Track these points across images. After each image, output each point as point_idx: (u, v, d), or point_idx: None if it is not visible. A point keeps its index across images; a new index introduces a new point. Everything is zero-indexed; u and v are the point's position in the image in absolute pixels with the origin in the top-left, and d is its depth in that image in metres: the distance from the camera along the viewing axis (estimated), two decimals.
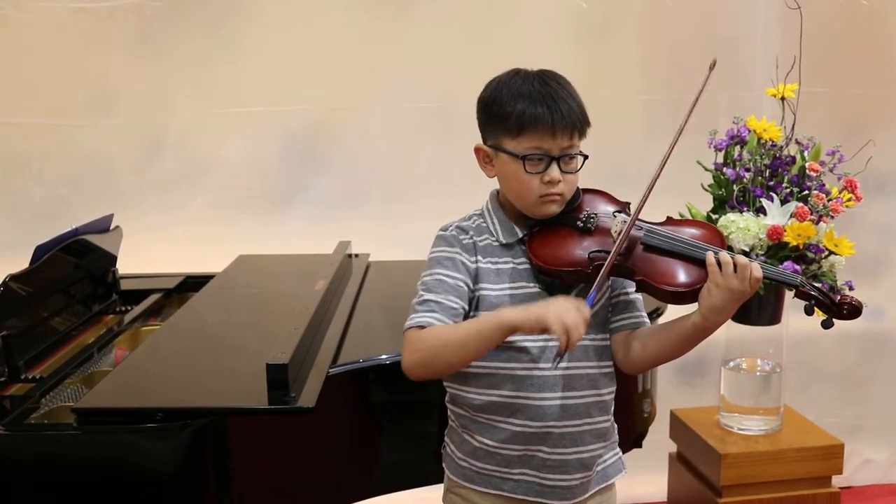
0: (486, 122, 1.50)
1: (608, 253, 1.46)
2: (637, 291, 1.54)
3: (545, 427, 1.48)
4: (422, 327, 1.43)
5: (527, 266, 1.49)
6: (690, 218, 2.15)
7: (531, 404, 1.48)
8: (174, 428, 1.54)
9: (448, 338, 1.41)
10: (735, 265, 1.38)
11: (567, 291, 1.50)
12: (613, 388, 1.56)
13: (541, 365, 1.47)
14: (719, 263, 1.39)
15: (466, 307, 1.47)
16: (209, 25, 2.80)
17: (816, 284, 1.50)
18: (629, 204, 1.55)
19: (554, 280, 1.48)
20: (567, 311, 1.32)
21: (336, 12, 2.83)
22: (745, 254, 2.01)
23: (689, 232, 1.50)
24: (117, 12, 2.74)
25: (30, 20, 2.71)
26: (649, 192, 1.45)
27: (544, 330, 1.33)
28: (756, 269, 1.39)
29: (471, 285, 1.47)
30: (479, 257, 1.49)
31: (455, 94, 2.73)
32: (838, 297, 1.47)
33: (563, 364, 1.46)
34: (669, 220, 1.55)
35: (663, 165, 1.46)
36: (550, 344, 1.46)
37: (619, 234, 1.47)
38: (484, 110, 1.50)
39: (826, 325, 1.48)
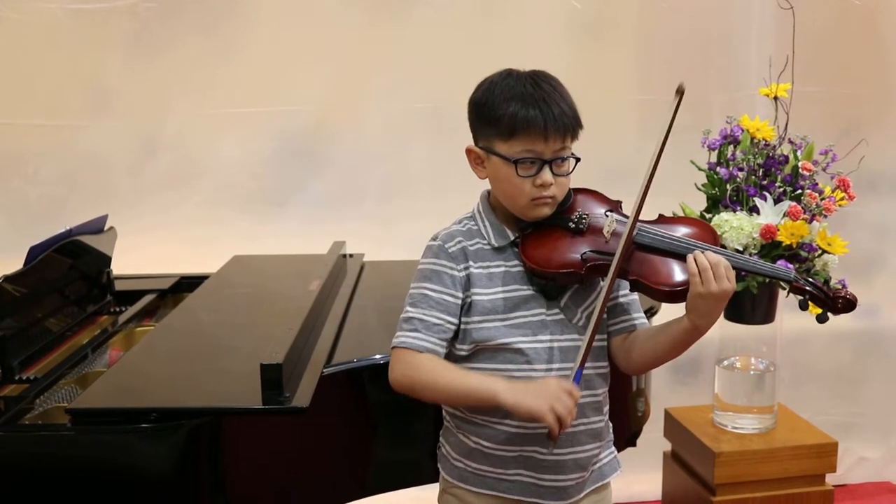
0: (478, 123, 1.50)
1: (601, 253, 1.46)
2: (631, 291, 1.54)
3: (541, 428, 1.47)
4: (409, 349, 1.45)
5: (520, 268, 1.49)
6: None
7: None
8: (169, 428, 1.55)
9: (443, 385, 1.44)
10: (712, 268, 1.39)
11: (561, 293, 1.50)
12: (607, 388, 1.57)
13: (536, 366, 1.48)
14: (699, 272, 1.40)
15: (454, 319, 1.47)
16: (204, 26, 2.80)
17: (810, 279, 1.50)
18: (620, 203, 1.55)
19: (548, 282, 1.49)
20: (558, 399, 1.36)
21: (331, 13, 2.84)
22: (739, 252, 2.02)
23: (682, 230, 1.50)
24: (113, 13, 2.74)
25: (25, 21, 2.71)
26: (643, 200, 1.44)
27: (535, 421, 1.38)
28: (724, 262, 1.39)
29: (459, 294, 1.48)
30: (471, 262, 1.49)
31: (450, 95, 2.69)
32: (832, 292, 1.47)
33: (557, 366, 1.47)
34: (661, 219, 1.55)
35: (655, 168, 1.45)
36: (551, 346, 1.47)
37: (611, 233, 1.47)
38: (475, 112, 1.50)
39: (821, 319, 1.48)
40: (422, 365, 1.45)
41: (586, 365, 1.49)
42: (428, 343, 1.46)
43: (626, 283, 1.53)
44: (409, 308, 1.48)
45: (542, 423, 1.38)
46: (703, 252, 1.41)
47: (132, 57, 2.79)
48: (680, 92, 1.43)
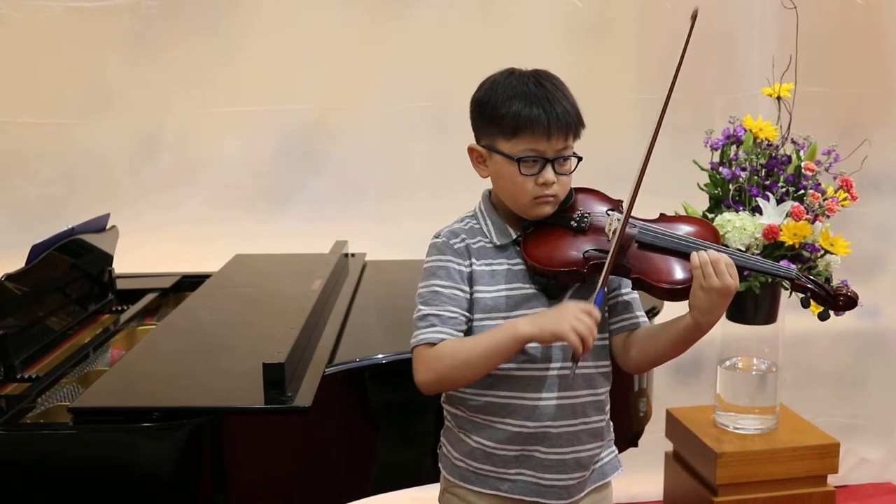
0: (480, 122, 1.50)
1: (603, 252, 1.46)
2: (633, 289, 1.54)
3: (542, 427, 1.48)
4: (431, 344, 1.44)
5: (522, 267, 1.49)
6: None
7: (528, 404, 1.48)
8: (170, 427, 1.54)
9: (467, 355, 1.42)
10: (713, 264, 1.39)
11: (563, 291, 1.50)
12: (609, 387, 1.56)
13: (537, 365, 1.48)
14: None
15: (467, 313, 1.47)
16: (205, 25, 2.80)
17: (812, 277, 1.50)
18: (622, 202, 1.55)
19: (550, 280, 1.49)
20: (579, 319, 1.36)
21: (332, 12, 2.83)
22: (742, 252, 2.01)
23: (683, 228, 1.50)
24: (113, 11, 2.73)
25: (26, 19, 2.70)
26: (639, 185, 1.45)
27: (559, 340, 1.38)
28: (726, 258, 1.40)
29: (467, 289, 1.48)
30: (473, 260, 1.49)
31: (451, 94, 2.70)
32: (833, 290, 1.47)
33: (558, 365, 1.47)
34: (663, 217, 1.55)
35: (651, 149, 1.45)
36: (552, 345, 1.47)
37: (613, 232, 1.47)
38: (478, 110, 1.50)
39: (822, 317, 1.49)
40: (441, 353, 1.43)
41: (586, 365, 1.49)
42: (445, 335, 1.44)
43: (627, 282, 1.53)
44: (421, 307, 1.48)
45: (564, 342, 1.38)
46: (706, 249, 1.42)
47: (133, 56, 2.79)
48: (694, 16, 1.43)
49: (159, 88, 2.80)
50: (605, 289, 1.42)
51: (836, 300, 1.47)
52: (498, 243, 1.50)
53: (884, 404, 3.20)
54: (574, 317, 1.36)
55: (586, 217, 1.50)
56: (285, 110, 2.87)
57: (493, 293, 1.48)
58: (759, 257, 1.55)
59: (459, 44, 2.82)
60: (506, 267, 1.49)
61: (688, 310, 1.44)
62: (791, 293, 2.18)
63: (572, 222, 1.50)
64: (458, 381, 1.47)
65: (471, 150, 1.52)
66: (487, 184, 1.56)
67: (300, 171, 2.92)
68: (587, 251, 1.47)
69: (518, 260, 1.50)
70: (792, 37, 2.38)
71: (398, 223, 2.85)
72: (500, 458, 1.51)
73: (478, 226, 1.53)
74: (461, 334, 1.46)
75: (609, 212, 1.52)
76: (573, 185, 1.53)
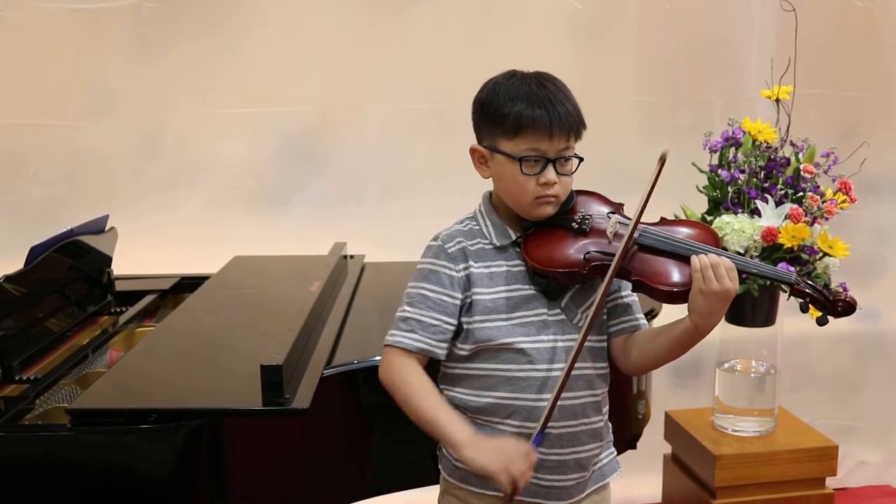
0: (482, 122, 1.51)
1: (604, 254, 1.46)
2: (633, 291, 1.54)
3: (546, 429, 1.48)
4: (402, 348, 1.47)
5: (521, 268, 1.50)
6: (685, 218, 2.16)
7: (528, 406, 1.48)
8: (169, 429, 1.54)
9: (412, 401, 1.46)
10: (713, 267, 1.39)
11: (563, 293, 1.50)
12: (607, 388, 1.57)
13: (538, 366, 1.48)
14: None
15: (452, 320, 1.48)
16: (206, 26, 2.80)
17: (811, 282, 1.50)
18: (623, 205, 1.56)
19: (550, 281, 1.49)
20: (513, 462, 1.37)
21: (333, 13, 2.83)
22: (740, 255, 2.02)
23: (683, 232, 1.51)
24: (114, 13, 2.73)
25: (27, 21, 2.70)
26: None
27: (489, 476, 1.39)
28: (727, 262, 1.40)
29: (457, 295, 1.48)
30: (471, 262, 1.49)
31: (451, 96, 2.72)
32: (832, 295, 1.48)
33: (559, 366, 1.47)
34: (663, 221, 1.56)
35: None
36: (553, 346, 1.48)
37: (614, 234, 1.48)
38: (480, 111, 1.51)
39: (821, 322, 1.49)
40: (407, 376, 1.47)
41: (585, 367, 1.49)
42: (422, 343, 1.47)
43: (627, 284, 1.54)
44: (406, 307, 1.49)
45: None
46: (706, 252, 1.42)
47: (133, 57, 2.79)
48: (662, 160, 1.41)
49: (160, 90, 2.80)
50: (543, 434, 1.43)
51: (834, 305, 1.47)
52: (497, 244, 1.51)
53: (882, 407, 3.20)
54: (510, 459, 1.38)
55: (587, 219, 1.51)
56: (285, 112, 2.87)
57: (493, 295, 1.49)
58: (758, 261, 1.55)
59: (460, 45, 2.82)
60: (505, 268, 1.50)
61: (687, 313, 1.44)
62: (789, 296, 2.19)
63: (573, 224, 1.50)
64: (399, 405, 1.50)
65: (472, 151, 1.53)
66: (488, 185, 1.56)
67: (300, 172, 2.92)
68: (588, 253, 1.48)
69: (517, 261, 1.50)
70: (791, 39, 2.38)
71: (398, 225, 2.85)
72: None
73: (477, 227, 1.53)
74: (441, 343, 1.48)
75: (610, 214, 1.53)
76: (574, 188, 1.53)
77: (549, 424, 1.47)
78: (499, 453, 1.39)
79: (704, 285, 1.39)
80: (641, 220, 1.50)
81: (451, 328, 1.48)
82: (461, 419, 1.46)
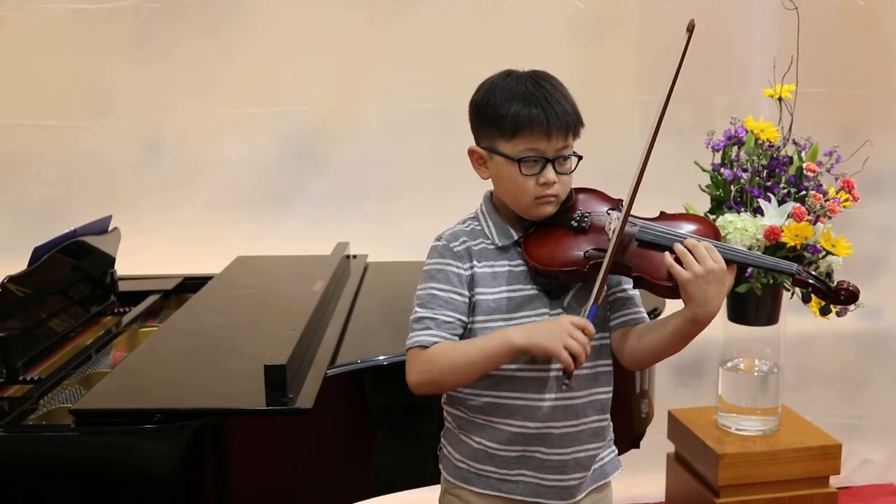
0: (480, 124, 1.50)
1: (604, 251, 1.46)
2: (634, 288, 1.54)
3: (544, 428, 1.48)
4: (424, 347, 1.44)
5: (523, 268, 1.49)
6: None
7: (530, 405, 1.48)
8: (172, 429, 1.54)
9: (457, 360, 1.43)
10: (691, 251, 1.40)
11: (564, 292, 1.50)
12: (611, 388, 1.56)
13: (539, 366, 1.48)
14: (679, 262, 1.40)
15: (463, 318, 1.47)
16: (207, 26, 2.80)
17: (812, 272, 1.50)
18: (622, 201, 1.55)
19: (551, 281, 1.49)
20: (571, 335, 1.37)
21: (334, 13, 2.83)
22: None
23: (684, 226, 1.50)
24: (115, 13, 2.74)
25: (28, 21, 2.70)
26: (637, 186, 1.45)
27: (549, 356, 1.38)
28: (705, 243, 1.40)
29: (466, 293, 1.48)
30: (475, 262, 1.49)
31: (453, 96, 2.69)
32: (835, 284, 1.48)
33: (558, 366, 1.46)
34: (663, 216, 1.55)
35: (649, 150, 1.45)
36: None
37: (613, 231, 1.48)
38: (477, 112, 1.50)
39: (824, 311, 1.48)
40: (434, 356, 1.44)
41: (586, 365, 1.49)
42: (439, 340, 1.45)
43: (627, 280, 1.53)
44: (418, 309, 1.48)
45: (556, 361, 1.39)
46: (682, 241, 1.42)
47: (134, 57, 2.79)
48: (690, 29, 1.42)
49: (161, 90, 2.80)
50: (598, 303, 1.42)
51: (837, 294, 1.47)
52: (499, 244, 1.50)
53: (886, 405, 3.19)
54: (567, 333, 1.37)
55: (587, 217, 1.51)
56: (287, 112, 2.87)
57: (495, 295, 1.48)
58: (760, 254, 1.54)
59: (461, 45, 2.82)
60: (507, 268, 1.50)
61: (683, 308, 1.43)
62: (792, 292, 2.19)
63: (572, 222, 1.50)
64: (450, 384, 1.48)
65: (471, 153, 1.53)
66: (489, 185, 1.56)
67: (302, 172, 2.92)
68: (588, 251, 1.47)
69: (519, 261, 1.50)
70: (793, 37, 2.38)
71: (400, 224, 2.85)
72: (502, 459, 1.51)
73: (479, 227, 1.53)
74: (456, 338, 1.47)
75: (609, 211, 1.52)
76: (573, 186, 1.53)
77: (550, 425, 1.48)
78: (555, 330, 1.38)
79: (688, 272, 1.39)
80: (643, 217, 1.51)
81: (464, 324, 1.48)
82: (497, 332, 1.44)
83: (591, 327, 1.39)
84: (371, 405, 1.81)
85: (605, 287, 1.49)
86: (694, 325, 1.42)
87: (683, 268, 1.39)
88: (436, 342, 1.45)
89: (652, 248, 1.47)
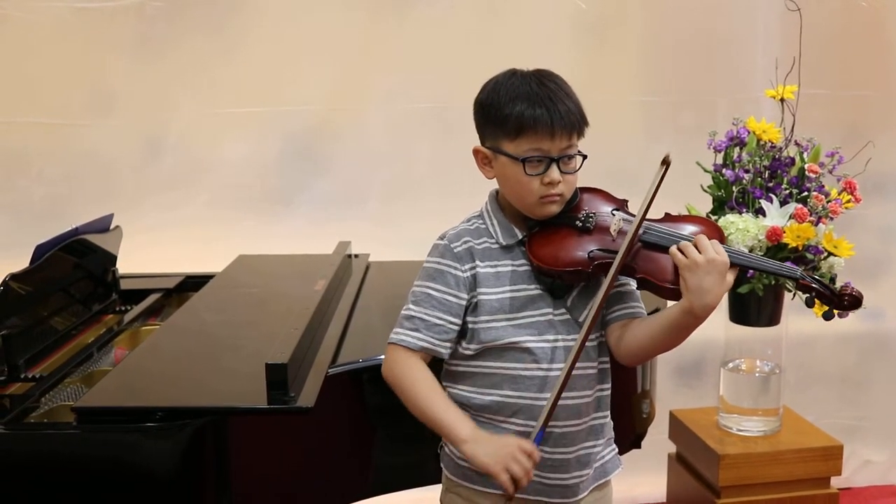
0: (484, 124, 1.50)
1: (608, 251, 1.46)
2: (639, 289, 1.54)
3: (546, 427, 1.48)
4: (407, 348, 1.47)
5: (527, 267, 1.49)
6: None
7: (533, 405, 1.48)
8: (173, 427, 1.55)
9: (415, 398, 1.46)
10: (696, 240, 1.40)
11: (568, 291, 1.50)
12: (609, 384, 1.56)
13: (542, 365, 1.48)
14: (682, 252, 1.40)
15: (456, 320, 1.48)
16: (209, 26, 2.80)
17: (816, 276, 1.50)
18: (627, 201, 1.55)
19: (555, 280, 1.49)
20: (514, 460, 1.38)
21: (335, 13, 2.84)
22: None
23: (688, 228, 1.50)
24: (118, 12, 2.74)
25: (30, 20, 2.71)
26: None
27: (489, 475, 1.39)
28: (714, 241, 1.40)
29: (463, 295, 1.48)
30: (477, 262, 1.49)
31: (455, 95, 2.72)
32: (838, 288, 1.47)
33: (559, 365, 1.47)
34: (668, 217, 1.55)
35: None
36: (558, 345, 1.47)
37: (618, 232, 1.47)
38: (481, 112, 1.50)
39: (827, 316, 1.48)
40: (410, 372, 1.47)
41: (587, 365, 1.48)
42: (426, 343, 1.47)
43: (628, 278, 1.53)
44: (411, 306, 1.49)
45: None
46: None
47: (137, 56, 2.79)
48: (666, 163, 1.41)
49: (163, 89, 2.80)
50: (543, 432, 1.43)
51: (841, 299, 1.47)
52: (504, 243, 1.50)
53: (888, 406, 3.19)
54: (511, 457, 1.38)
55: (591, 217, 1.50)
56: (289, 111, 2.87)
57: (498, 295, 1.48)
58: (764, 257, 1.54)
59: (462, 44, 2.82)
60: (510, 268, 1.50)
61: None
62: (794, 294, 2.19)
63: (577, 222, 1.50)
64: (403, 401, 1.50)
65: (476, 152, 1.53)
66: (490, 184, 1.56)
67: (304, 172, 2.92)
68: (592, 251, 1.47)
69: (523, 261, 1.50)
70: (795, 39, 2.38)
71: (402, 224, 2.85)
72: None
73: (484, 226, 1.53)
74: (443, 342, 1.48)
75: (614, 211, 1.52)
76: (579, 185, 1.53)
77: (552, 423, 1.47)
78: (500, 451, 1.39)
79: (688, 259, 1.38)
80: (648, 219, 1.50)
81: (456, 328, 1.48)
82: (464, 416, 1.46)
83: (536, 454, 1.40)
84: (372, 404, 1.81)
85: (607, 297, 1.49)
86: (689, 316, 1.40)
87: (685, 256, 1.39)
88: (421, 345, 1.46)
89: (657, 249, 1.47)
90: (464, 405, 1.52)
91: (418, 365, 1.47)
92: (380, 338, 1.95)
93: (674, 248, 1.41)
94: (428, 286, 1.49)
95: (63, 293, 2.10)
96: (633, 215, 1.47)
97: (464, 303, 1.48)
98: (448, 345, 1.49)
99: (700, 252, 1.39)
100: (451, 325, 1.47)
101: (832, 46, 2.89)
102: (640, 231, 1.46)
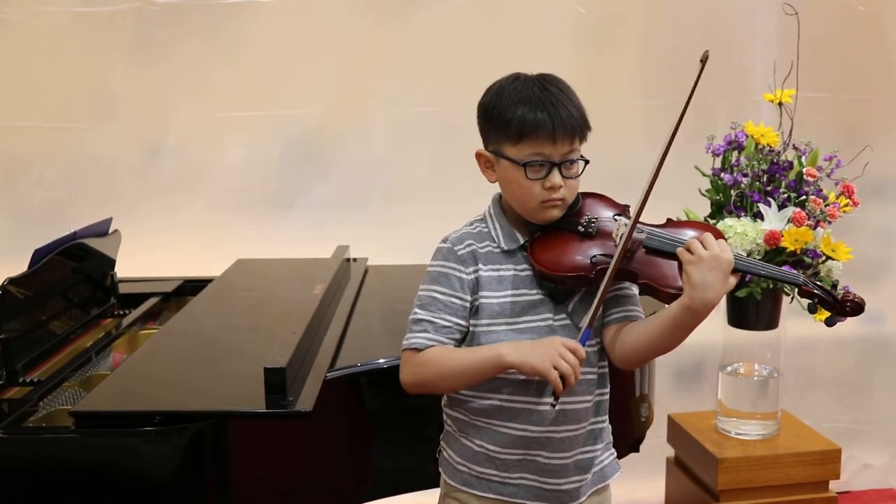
0: (487, 127, 1.50)
1: (610, 257, 1.45)
2: (641, 295, 1.54)
3: (546, 432, 1.49)
4: (418, 349, 1.46)
5: (529, 272, 1.49)
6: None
7: (531, 409, 1.48)
8: (172, 431, 1.55)
9: (447, 368, 1.45)
10: (701, 240, 1.40)
11: (570, 297, 1.50)
12: (608, 389, 1.56)
13: None
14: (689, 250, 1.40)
15: (463, 322, 1.48)
16: (209, 29, 2.80)
17: (818, 283, 1.50)
18: (629, 207, 1.55)
19: (556, 286, 1.49)
20: (562, 356, 1.37)
21: (336, 17, 2.84)
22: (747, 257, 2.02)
23: (690, 233, 1.50)
24: (117, 16, 2.74)
25: (30, 24, 2.71)
26: (648, 196, 1.44)
27: (539, 375, 1.38)
28: (720, 240, 1.41)
29: (467, 297, 1.48)
30: (480, 265, 1.49)
31: (455, 100, 2.73)
32: (840, 295, 1.47)
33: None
34: (670, 223, 1.55)
35: (660, 166, 1.44)
36: None
37: (621, 237, 1.47)
38: (484, 116, 1.50)
39: (829, 322, 1.48)
40: (427, 359, 1.45)
41: (586, 371, 1.48)
42: (435, 343, 1.46)
43: (630, 283, 1.53)
44: (418, 310, 1.49)
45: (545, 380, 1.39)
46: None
47: (136, 60, 2.80)
48: (703, 60, 1.42)
49: (163, 93, 2.81)
50: (592, 326, 1.43)
51: (843, 306, 1.47)
52: (505, 248, 1.50)
53: (887, 410, 3.19)
54: (558, 353, 1.37)
55: (593, 222, 1.50)
56: (289, 115, 2.88)
57: (500, 299, 1.48)
58: (766, 263, 1.54)
59: (463, 49, 2.83)
60: (512, 272, 1.50)
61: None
62: (792, 298, 2.19)
63: (579, 227, 1.50)
64: (439, 388, 1.50)
65: (478, 156, 1.53)
66: (492, 189, 1.56)
67: (303, 176, 2.92)
68: (594, 256, 1.47)
69: (525, 265, 1.50)
70: (793, 42, 2.38)
71: (401, 228, 2.85)
72: (503, 462, 1.51)
73: (486, 230, 1.53)
74: (452, 342, 1.47)
75: (616, 217, 1.52)
76: (580, 191, 1.53)
77: (552, 429, 1.48)
78: (546, 350, 1.38)
79: (693, 254, 1.38)
80: (650, 224, 1.50)
81: (463, 328, 1.48)
82: (490, 345, 1.45)
83: (581, 350, 1.39)
84: (371, 408, 1.81)
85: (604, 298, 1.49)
86: (688, 313, 1.39)
87: (690, 251, 1.39)
88: (431, 345, 1.46)
89: (659, 255, 1.47)
90: (463, 409, 1.53)
91: (429, 351, 1.46)
92: (378, 342, 1.97)
93: (681, 248, 1.42)
94: (433, 290, 1.49)
95: (61, 297, 2.10)
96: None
97: (468, 304, 1.48)
98: (455, 345, 1.49)
99: (706, 249, 1.39)
100: (458, 327, 1.48)
101: (830, 50, 2.89)
102: (642, 235, 1.46)
